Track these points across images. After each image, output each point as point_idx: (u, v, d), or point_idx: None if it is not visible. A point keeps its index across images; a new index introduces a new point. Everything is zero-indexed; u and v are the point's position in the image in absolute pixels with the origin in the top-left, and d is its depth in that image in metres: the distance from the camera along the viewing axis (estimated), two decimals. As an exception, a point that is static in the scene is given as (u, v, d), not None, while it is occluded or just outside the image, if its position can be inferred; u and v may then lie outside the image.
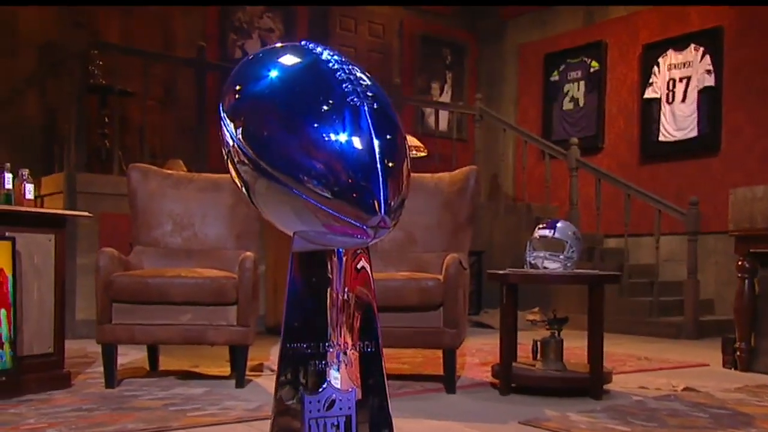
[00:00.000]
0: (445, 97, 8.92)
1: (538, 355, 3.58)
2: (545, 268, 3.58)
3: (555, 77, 8.46)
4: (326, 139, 1.31)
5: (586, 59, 8.18)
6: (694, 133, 7.14)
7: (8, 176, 3.45)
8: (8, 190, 3.43)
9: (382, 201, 1.32)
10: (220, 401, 3.12)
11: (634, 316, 6.24)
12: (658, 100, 7.45)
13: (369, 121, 1.33)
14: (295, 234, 1.42)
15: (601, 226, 6.89)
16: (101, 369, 3.47)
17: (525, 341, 3.81)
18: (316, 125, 1.32)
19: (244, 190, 1.48)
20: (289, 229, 1.45)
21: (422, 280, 3.41)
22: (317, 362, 1.39)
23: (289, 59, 1.42)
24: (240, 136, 1.39)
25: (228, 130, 1.43)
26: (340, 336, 1.39)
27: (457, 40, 9.09)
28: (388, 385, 1.57)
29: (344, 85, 1.35)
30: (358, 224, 1.33)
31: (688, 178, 7.11)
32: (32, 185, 3.50)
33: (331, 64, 1.39)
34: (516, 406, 3.18)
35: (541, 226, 3.68)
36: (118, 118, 6.02)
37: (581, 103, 8.18)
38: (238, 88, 1.44)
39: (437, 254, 3.83)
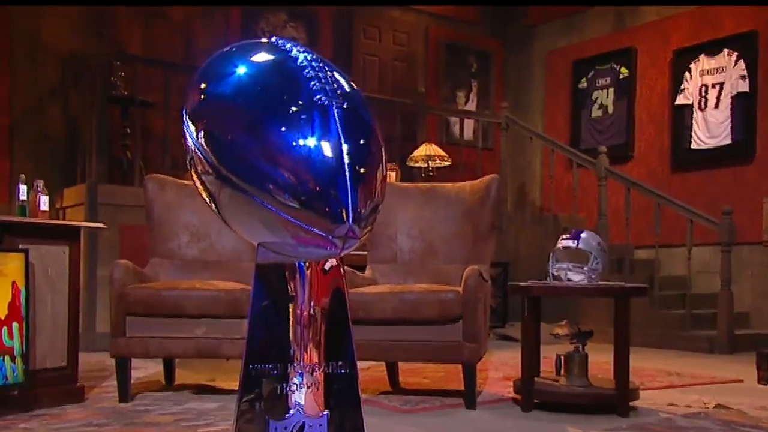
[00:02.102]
0: (471, 106, 8.86)
1: (562, 370, 3.49)
2: (569, 280, 3.49)
3: (583, 84, 8.35)
4: (292, 143, 1.24)
5: (615, 65, 8.07)
6: (727, 141, 6.99)
7: (23, 188, 3.46)
8: (23, 201, 3.44)
9: (349, 209, 1.25)
10: (232, 417, 3.08)
11: (666, 330, 6.10)
12: (689, 107, 7.31)
13: (338, 122, 1.26)
14: (259, 245, 1.35)
15: (631, 237, 6.76)
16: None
17: (550, 355, 3.73)
18: (282, 129, 1.25)
19: (210, 202, 1.41)
20: (257, 241, 1.38)
21: (440, 292, 3.35)
22: (282, 385, 1.31)
23: (256, 57, 1.35)
24: (202, 141, 1.33)
25: (189, 135, 1.37)
26: (307, 355, 1.32)
27: (483, 47, 9.03)
28: (363, 409, 1.48)
29: (312, 83, 1.27)
30: (324, 234, 1.26)
31: (722, 187, 6.96)
32: (47, 196, 3.51)
33: (299, 62, 1.32)
34: (538, 422, 3.10)
35: (564, 236, 3.60)
36: (140, 129, 6.06)
37: (610, 110, 8.07)
38: (203, 86, 1.38)
39: (458, 266, 3.77)
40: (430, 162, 6.71)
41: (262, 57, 1.37)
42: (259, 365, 1.33)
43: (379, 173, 1.37)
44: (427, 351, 3.35)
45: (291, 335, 1.34)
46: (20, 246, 3.16)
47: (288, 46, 1.39)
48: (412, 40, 8.60)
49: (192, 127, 1.38)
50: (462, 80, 8.88)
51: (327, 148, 1.27)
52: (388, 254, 3.95)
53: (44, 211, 3.51)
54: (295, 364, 1.34)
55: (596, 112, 8.20)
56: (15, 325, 3.03)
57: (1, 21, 6.10)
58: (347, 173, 1.26)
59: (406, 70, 8.52)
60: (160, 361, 4.05)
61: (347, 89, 1.35)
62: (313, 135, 1.27)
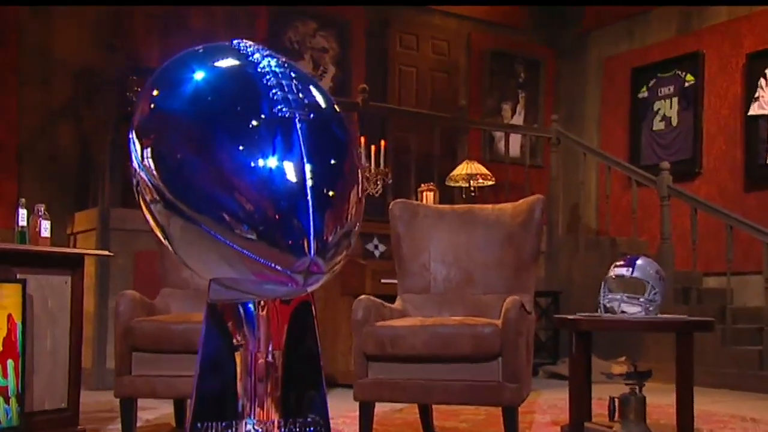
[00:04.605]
0: (518, 119, 8.78)
1: (616, 415, 3.38)
2: (623, 312, 3.39)
3: (644, 93, 8.22)
4: (247, 164, 1.17)
5: (679, 72, 7.93)
6: (808, 154, 6.80)
7: (23, 212, 3.49)
8: (22, 227, 3.47)
9: (311, 239, 1.18)
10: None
11: (740, 369, 5.90)
12: (765, 117, 7.13)
13: (301, 138, 1.19)
14: (211, 281, 1.29)
15: (698, 263, 6.60)
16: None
17: (605, 396, 3.61)
18: (235, 146, 1.18)
19: (163, 237, 1.34)
20: (215, 278, 1.32)
21: (477, 325, 3.27)
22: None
23: (214, 62, 1.30)
24: (148, 162, 1.27)
25: (135, 154, 1.31)
26: (262, 411, 1.24)
27: (532, 55, 8.96)
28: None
29: (273, 92, 1.21)
30: (280, 269, 1.19)
31: (803, 207, 6.76)
32: (48, 221, 3.53)
33: (260, 67, 1.26)
34: (588, 475, 2.99)
35: (617, 263, 3.52)
36: (156, 149, 6.11)
37: (674, 122, 7.92)
38: (154, 93, 1.32)
39: (498, 296, 3.69)
40: (471, 181, 6.64)
41: (219, 62, 1.32)
42: (208, 423, 1.25)
43: (353, 195, 1.29)
44: (463, 392, 3.26)
45: (239, 387, 1.26)
46: (18, 276, 3.18)
47: (250, 49, 1.34)
48: (453, 49, 8.57)
49: (137, 145, 1.32)
50: (508, 91, 8.81)
51: (288, 169, 1.20)
52: (421, 283, 3.89)
53: (45, 238, 3.53)
54: (248, 421, 1.26)
55: (658, 125, 8.05)
56: (10, 362, 3.03)
57: (10, 35, 6.23)
58: (309, 198, 1.18)
59: (446, 82, 8.48)
60: (171, 401, 4.03)
61: (318, 100, 1.28)
62: (273, 153, 1.20)
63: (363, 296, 3.51)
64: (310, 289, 1.29)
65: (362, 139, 6.11)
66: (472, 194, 6.68)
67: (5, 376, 3.01)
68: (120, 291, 5.32)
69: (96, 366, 5.36)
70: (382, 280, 5.35)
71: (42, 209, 3.55)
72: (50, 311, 3.34)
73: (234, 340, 1.30)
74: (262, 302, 1.33)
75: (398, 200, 4.09)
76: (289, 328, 1.35)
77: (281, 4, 7.52)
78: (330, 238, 1.23)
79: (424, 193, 6.19)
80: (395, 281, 4.03)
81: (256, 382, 1.28)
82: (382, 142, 6.17)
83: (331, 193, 1.23)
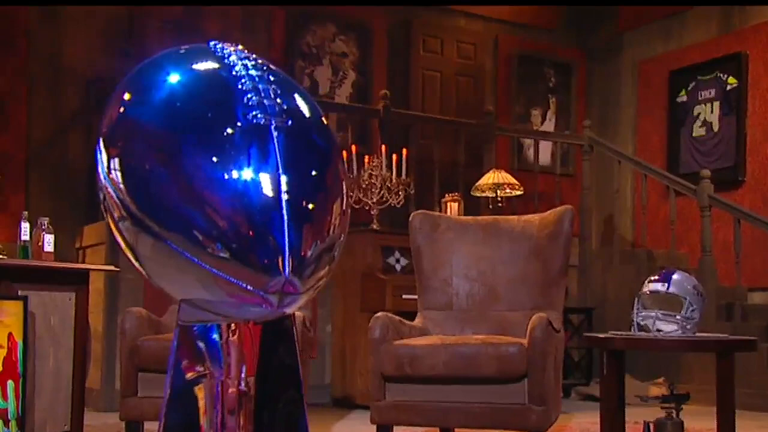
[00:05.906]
0: (548, 126, 8.73)
1: (651, 441, 3.31)
2: (658, 330, 3.32)
3: (683, 97, 8.13)
4: (220, 176, 1.13)
5: (721, 75, 7.84)
6: None
7: (25, 226, 3.50)
8: (25, 241, 3.48)
9: (286, 257, 1.13)
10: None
11: (788, 390, 5.78)
12: (813, 122, 7.04)
13: (277, 147, 1.15)
14: (181, 301, 1.25)
15: (742, 278, 6.49)
16: (128, 450, 3.43)
17: (641, 419, 3.53)
18: (204, 157, 1.14)
19: (132, 257, 1.30)
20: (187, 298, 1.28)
21: (501, 345, 3.24)
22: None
23: (188, 65, 1.26)
24: (115, 175, 1.23)
25: (101, 165, 1.28)
26: None
27: (563, 58, 8.91)
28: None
29: (247, 97, 1.17)
30: (253, 290, 1.15)
31: None
32: (52, 235, 3.53)
33: (235, 70, 1.23)
34: (620, 506, 2.92)
35: (652, 278, 3.44)
36: (169, 159, 6.12)
37: (716, 127, 7.82)
38: (126, 97, 1.29)
39: (524, 312, 3.66)
40: (498, 191, 6.59)
41: (194, 65, 1.29)
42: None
43: (335, 207, 1.25)
44: (486, 415, 3.22)
45: (203, 420, 1.21)
46: (19, 292, 3.18)
47: (227, 51, 1.31)
48: (480, 52, 8.53)
49: (104, 155, 1.29)
50: (538, 96, 8.76)
51: (263, 181, 1.16)
52: (443, 300, 3.86)
53: (49, 252, 3.53)
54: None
55: (698, 130, 7.96)
56: (10, 383, 3.03)
57: (19, 42, 6.30)
58: (284, 212, 1.14)
59: (472, 87, 8.44)
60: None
61: (298, 106, 1.24)
62: (248, 165, 1.15)
63: (380, 313, 3.48)
64: (287, 311, 1.25)
65: (383, 148, 6.09)
66: (500, 205, 6.63)
67: (5, 397, 3.00)
68: (130, 308, 5.36)
69: (105, 386, 5.36)
70: (404, 296, 5.31)
71: (45, 222, 3.55)
72: (53, 329, 3.34)
73: (197, 369, 1.25)
74: (233, 325, 1.28)
75: (418, 212, 4.06)
76: (263, 348, 1.30)
77: (298, 4, 7.53)
78: (309, 254, 1.19)
79: (449, 204, 6.15)
80: (413, 297, 4.01)
81: (226, 414, 1.23)
82: (405, 151, 6.14)
83: (310, 206, 1.19)
